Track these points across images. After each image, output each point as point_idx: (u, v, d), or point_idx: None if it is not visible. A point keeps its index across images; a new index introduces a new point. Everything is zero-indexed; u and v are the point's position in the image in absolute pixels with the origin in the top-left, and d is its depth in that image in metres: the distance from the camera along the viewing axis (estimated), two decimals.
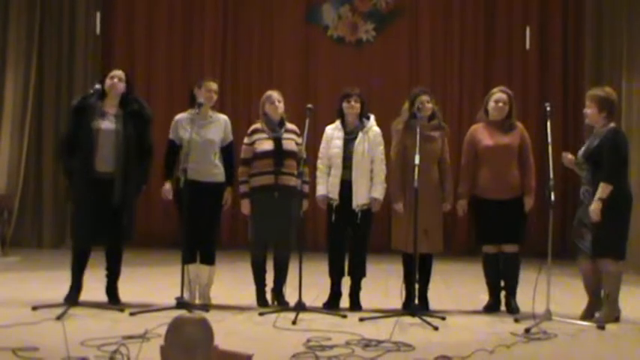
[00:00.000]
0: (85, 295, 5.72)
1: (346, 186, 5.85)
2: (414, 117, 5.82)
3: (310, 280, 5.81)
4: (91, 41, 10.41)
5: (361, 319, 5.34)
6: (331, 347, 4.40)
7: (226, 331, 4.76)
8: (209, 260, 5.90)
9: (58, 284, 6.09)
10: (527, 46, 10.47)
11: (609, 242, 5.42)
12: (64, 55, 10.32)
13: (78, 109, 5.75)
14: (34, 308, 5.38)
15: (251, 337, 4.80)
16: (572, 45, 10.41)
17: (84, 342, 4.31)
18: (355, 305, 5.89)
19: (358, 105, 5.95)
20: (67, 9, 10.36)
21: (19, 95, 10.04)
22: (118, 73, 5.82)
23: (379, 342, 4.54)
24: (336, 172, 5.88)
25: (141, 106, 5.85)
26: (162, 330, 2.98)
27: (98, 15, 10.44)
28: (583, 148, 5.63)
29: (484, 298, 5.98)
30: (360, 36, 10.80)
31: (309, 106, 5.91)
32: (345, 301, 5.94)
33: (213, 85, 5.97)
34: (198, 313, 5.10)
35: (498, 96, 5.93)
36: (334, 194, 5.87)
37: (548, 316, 5.22)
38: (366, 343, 4.51)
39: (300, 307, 5.44)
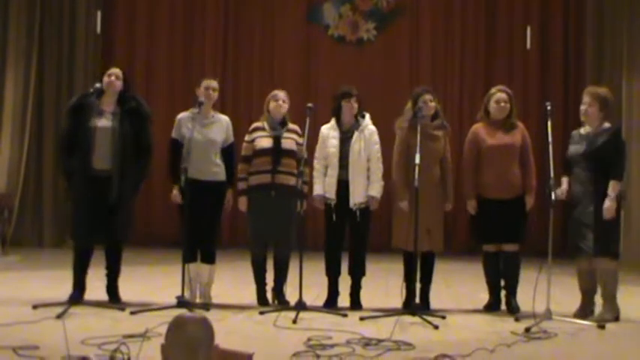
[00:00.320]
0: (85, 294, 5.72)
1: (343, 185, 5.85)
2: (416, 116, 5.82)
3: (311, 280, 5.81)
4: (91, 40, 10.42)
5: (362, 318, 5.34)
6: (332, 346, 4.40)
7: (227, 330, 4.77)
8: (210, 259, 5.90)
9: (59, 283, 6.10)
10: (528, 45, 10.48)
11: (611, 241, 5.49)
12: (65, 54, 10.32)
13: (75, 108, 5.75)
14: (35, 307, 5.38)
15: (251, 336, 4.80)
16: (573, 45, 10.41)
17: (84, 341, 4.31)
18: (356, 304, 5.89)
19: (357, 105, 5.96)
20: (67, 8, 10.36)
21: (19, 95, 10.05)
22: (116, 71, 5.82)
23: (379, 341, 4.54)
24: (333, 172, 5.87)
25: (138, 104, 5.84)
26: (163, 329, 2.98)
27: (99, 14, 10.45)
28: (583, 148, 5.59)
29: (484, 297, 5.98)
30: (360, 35, 10.81)
31: (310, 105, 5.90)
32: (345, 300, 5.94)
33: (212, 83, 5.96)
34: (199, 312, 5.11)
35: (499, 96, 5.92)
36: (331, 194, 5.87)
37: (548, 315, 5.22)
38: (367, 342, 4.51)
39: (301, 306, 5.44)
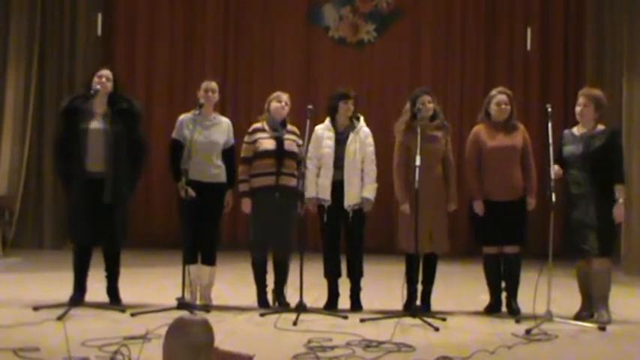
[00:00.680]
0: (86, 296, 5.72)
1: (337, 186, 5.85)
2: (415, 117, 5.82)
3: (311, 281, 5.81)
4: (92, 43, 10.41)
5: (362, 320, 5.34)
6: (332, 348, 4.40)
7: (227, 332, 4.77)
8: (210, 261, 5.89)
9: (59, 285, 6.10)
10: (529, 47, 10.48)
11: (611, 241, 5.57)
12: (66, 56, 10.31)
13: (67, 111, 5.75)
14: (35, 309, 5.38)
15: (252, 337, 4.80)
16: (573, 46, 10.41)
17: (85, 342, 4.32)
18: (356, 306, 5.89)
19: (353, 107, 5.96)
20: (68, 10, 10.36)
21: (20, 97, 10.05)
22: (106, 72, 5.80)
23: (380, 343, 4.53)
24: (327, 173, 5.87)
25: (129, 104, 5.83)
26: (164, 331, 2.98)
27: (99, 16, 10.45)
28: (580, 149, 5.58)
29: (485, 299, 5.98)
30: (361, 37, 10.81)
31: (310, 107, 5.90)
32: (346, 302, 5.94)
33: (210, 85, 5.96)
34: (199, 314, 5.12)
35: (500, 98, 5.92)
36: (325, 195, 5.86)
37: (549, 316, 5.22)
38: (367, 344, 4.51)
39: (301, 307, 5.44)
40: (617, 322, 5.45)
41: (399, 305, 5.70)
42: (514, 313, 5.70)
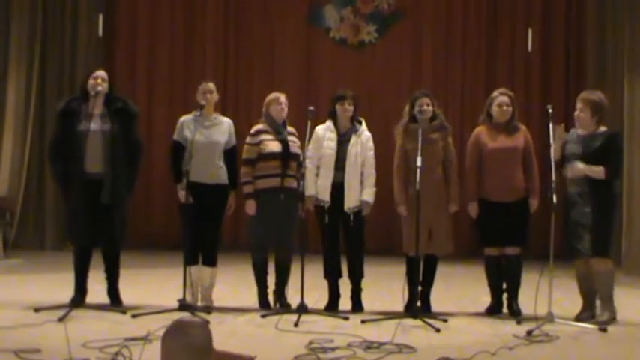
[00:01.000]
0: (87, 297, 5.72)
1: (338, 187, 5.85)
2: (414, 120, 5.83)
3: (312, 282, 5.80)
4: (93, 44, 10.40)
5: (363, 321, 5.34)
6: (333, 349, 4.41)
7: (228, 333, 4.77)
8: (211, 262, 5.89)
9: (60, 286, 6.10)
10: (530, 48, 10.47)
11: (607, 241, 5.54)
12: (67, 57, 10.31)
13: (64, 113, 5.75)
14: (37, 310, 5.39)
15: (253, 338, 4.80)
16: (575, 47, 10.40)
17: (86, 344, 4.32)
18: (357, 307, 5.89)
19: (352, 107, 5.97)
20: (69, 11, 10.35)
21: (21, 98, 10.05)
22: (101, 73, 5.80)
23: (381, 344, 4.54)
24: (328, 174, 5.87)
25: (125, 104, 5.83)
26: None
27: (101, 17, 10.44)
28: (579, 150, 5.58)
29: (486, 300, 5.98)
30: (362, 38, 10.80)
31: (311, 108, 5.89)
32: (347, 303, 5.94)
33: (208, 86, 5.95)
34: (200, 316, 5.12)
35: (501, 99, 5.92)
36: (325, 196, 5.87)
37: (550, 318, 5.22)
38: (368, 345, 4.52)
39: (302, 309, 5.44)
40: (618, 323, 5.45)
41: (400, 306, 5.70)
42: (515, 314, 5.70)
